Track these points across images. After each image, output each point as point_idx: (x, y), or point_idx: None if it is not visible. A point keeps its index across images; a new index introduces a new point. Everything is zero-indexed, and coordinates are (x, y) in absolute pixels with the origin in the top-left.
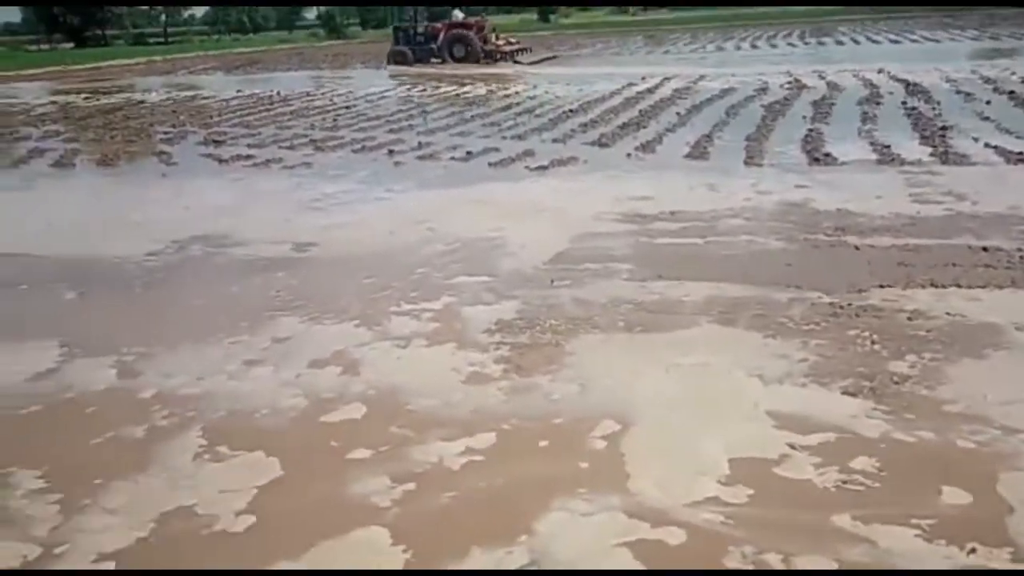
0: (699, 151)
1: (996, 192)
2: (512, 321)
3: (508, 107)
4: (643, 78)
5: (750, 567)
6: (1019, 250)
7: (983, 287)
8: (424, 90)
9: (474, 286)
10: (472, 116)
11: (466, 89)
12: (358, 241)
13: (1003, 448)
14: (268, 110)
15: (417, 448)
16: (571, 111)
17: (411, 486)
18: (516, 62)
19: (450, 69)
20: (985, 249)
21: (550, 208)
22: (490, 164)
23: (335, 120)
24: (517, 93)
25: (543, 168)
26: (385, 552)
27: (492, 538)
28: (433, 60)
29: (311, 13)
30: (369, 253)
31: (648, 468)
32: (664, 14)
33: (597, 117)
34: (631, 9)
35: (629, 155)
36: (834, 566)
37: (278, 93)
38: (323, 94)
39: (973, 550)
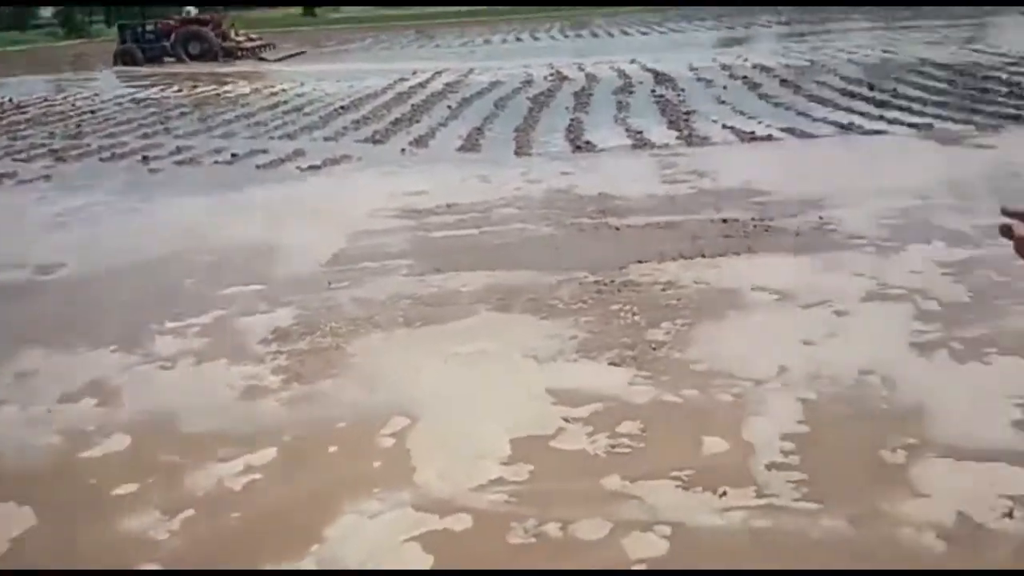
0: (471, 143)
1: (732, 169)
2: (289, 328)
3: (275, 106)
4: (414, 72)
5: (532, 540)
6: (752, 219)
7: (723, 255)
8: (180, 90)
9: (246, 295)
10: (236, 116)
11: (227, 88)
12: (111, 257)
13: (748, 397)
14: None
15: (192, 473)
16: (342, 108)
17: (189, 513)
18: (261, 59)
19: (188, 67)
20: (724, 220)
21: (324, 208)
22: (258, 166)
23: (78, 127)
24: (284, 91)
25: (315, 168)
26: None
27: (280, 553)
28: (167, 59)
29: (48, 11)
30: (125, 269)
31: (434, 459)
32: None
33: (369, 113)
34: None
35: (403, 150)
36: (608, 526)
37: (10, 100)
38: (64, 99)
39: (724, 493)
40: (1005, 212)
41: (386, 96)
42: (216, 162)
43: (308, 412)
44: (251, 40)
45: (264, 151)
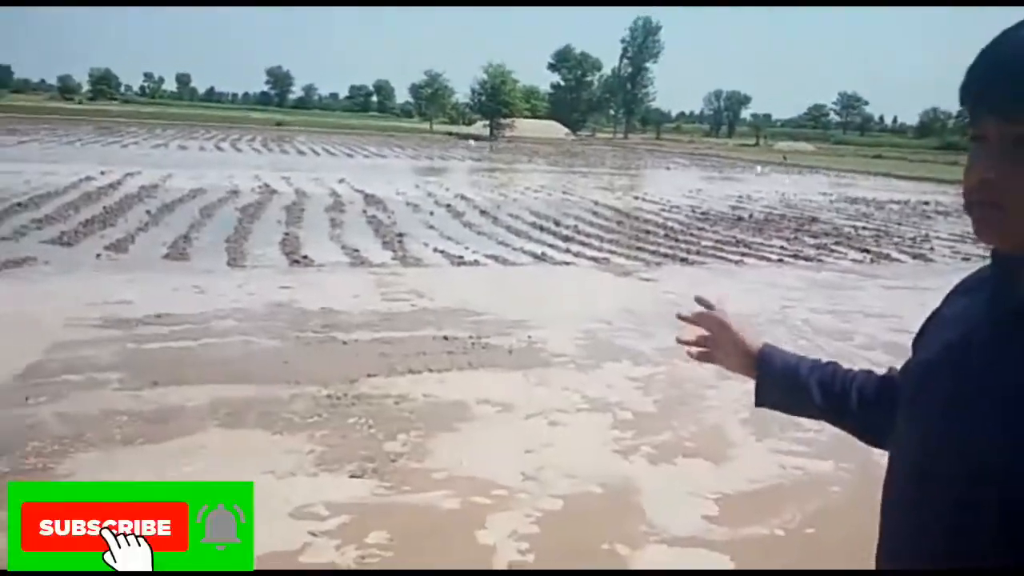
0: (178, 251)
1: (447, 289)
2: None
3: None
4: (102, 172)
5: None
6: (471, 337)
7: (448, 370)
8: None
9: None
10: None
11: None
12: None
13: (479, 501)
14: None
15: None
16: (20, 204)
17: None
18: None
19: None
20: (446, 338)
21: (8, 315)
22: None
23: None
24: None
25: None
26: None
27: None
28: None
29: None
30: None
31: None
32: (114, 105)
33: (54, 213)
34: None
35: (99, 255)
36: None
37: None
38: None
39: None
40: (685, 318)
41: (70, 195)
42: None
43: None
44: None
45: None
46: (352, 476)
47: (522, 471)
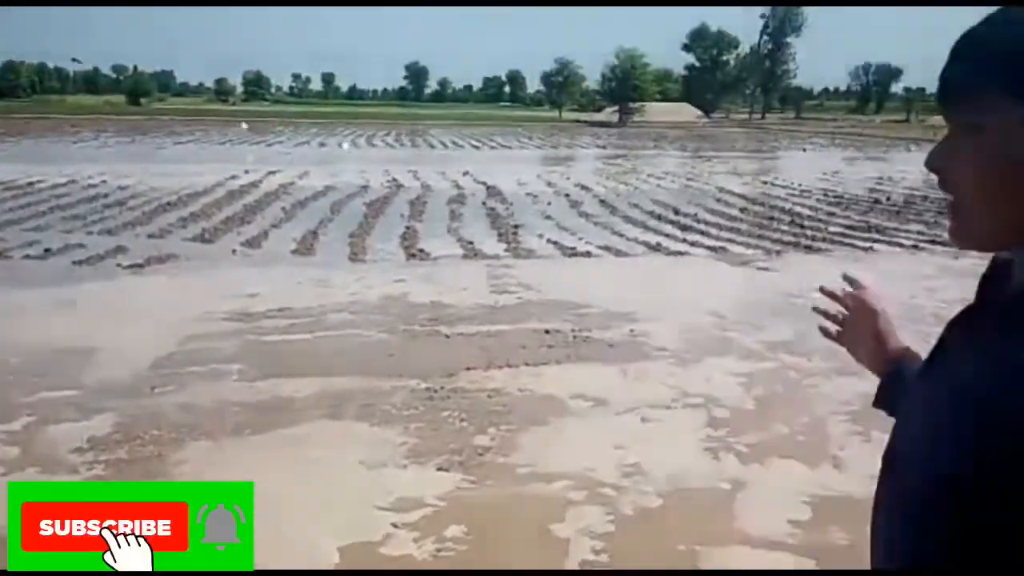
0: (306, 247)
1: (555, 282)
2: (107, 436)
3: (93, 199)
4: (246, 171)
5: None
6: (572, 330)
7: (545, 364)
8: None
9: (57, 402)
10: (51, 208)
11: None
12: None
13: (560, 497)
14: None
15: None
16: (169, 204)
17: None
18: None
19: None
20: (547, 331)
21: (149, 309)
22: (75, 262)
23: None
24: (104, 183)
25: (139, 266)
26: None
27: None
28: None
29: None
30: None
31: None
32: (265, 106)
33: (198, 211)
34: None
35: (235, 251)
36: None
37: None
38: None
39: None
40: (825, 292)
41: (216, 194)
42: (27, 256)
43: None
44: None
45: (82, 245)
46: (439, 469)
47: (608, 468)
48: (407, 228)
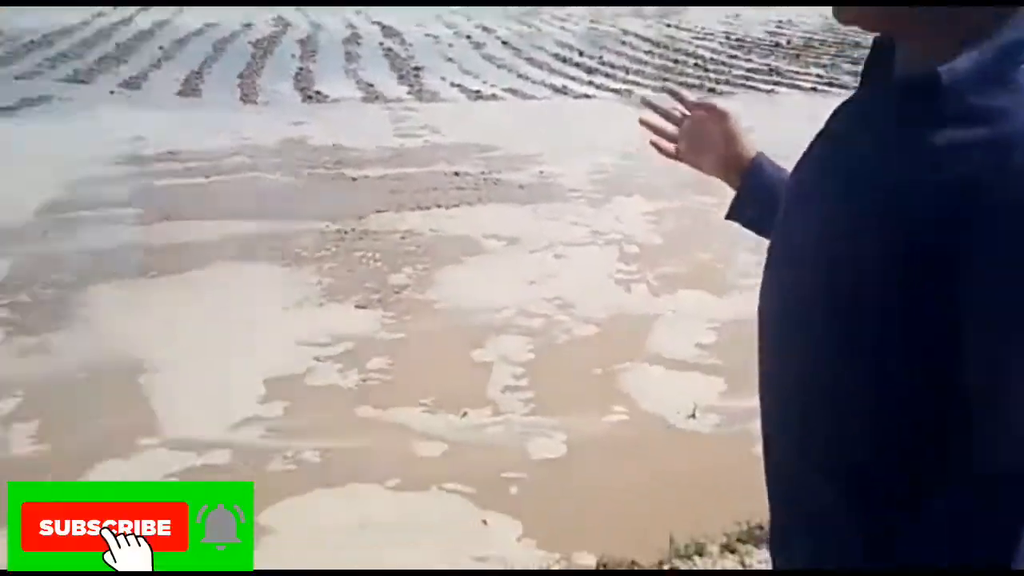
0: (191, 88)
1: (461, 125)
2: (4, 281)
3: None
4: (114, 7)
5: (292, 467)
6: (482, 173)
7: (457, 206)
8: None
9: None
10: None
11: None
12: None
13: (484, 326)
14: None
15: None
16: (32, 42)
17: None
18: None
19: None
20: (456, 174)
21: (29, 154)
22: None
23: None
24: None
25: (10, 109)
26: None
27: None
28: None
29: None
30: None
31: (192, 405)
32: None
33: (68, 50)
34: None
35: (112, 92)
36: (363, 446)
37: None
38: None
39: (465, 413)
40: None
41: (84, 32)
42: None
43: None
44: None
45: None
46: (357, 307)
47: (524, 302)
48: (300, 69)
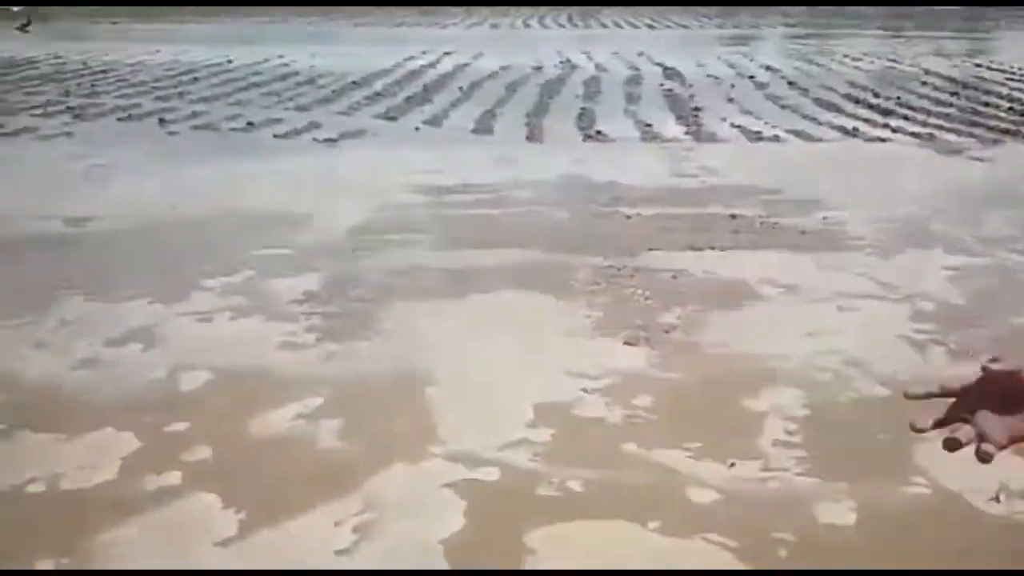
0: (484, 126)
1: (740, 166)
2: (319, 292)
3: (285, 76)
4: (423, 52)
5: (558, 494)
6: (759, 216)
7: (732, 248)
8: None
9: (274, 259)
10: (247, 86)
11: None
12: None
13: (756, 375)
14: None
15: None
16: (354, 83)
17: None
18: None
19: None
20: (733, 216)
21: (345, 179)
22: (275, 136)
23: (92, 86)
24: (295, 62)
25: (332, 141)
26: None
27: (326, 500)
28: None
29: None
30: (150, 227)
31: (468, 420)
32: None
33: (382, 89)
34: None
35: (417, 128)
36: (628, 482)
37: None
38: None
39: (732, 464)
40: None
41: (396, 74)
42: (233, 129)
43: (344, 368)
44: None
45: (279, 120)
46: (626, 343)
47: (801, 353)
48: (583, 109)
